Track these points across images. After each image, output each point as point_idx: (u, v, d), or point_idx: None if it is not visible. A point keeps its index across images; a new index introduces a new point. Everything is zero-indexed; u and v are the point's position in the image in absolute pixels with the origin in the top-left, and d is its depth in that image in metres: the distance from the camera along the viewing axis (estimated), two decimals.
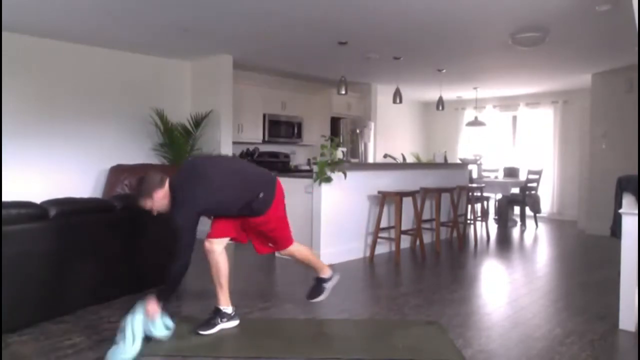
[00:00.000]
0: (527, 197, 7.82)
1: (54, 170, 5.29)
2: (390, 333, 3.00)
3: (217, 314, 3.00)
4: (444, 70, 6.86)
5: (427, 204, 6.07)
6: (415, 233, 5.54)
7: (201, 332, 2.88)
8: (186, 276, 4.28)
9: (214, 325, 2.95)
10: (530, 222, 7.93)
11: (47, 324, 2.99)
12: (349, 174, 4.91)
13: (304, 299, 3.66)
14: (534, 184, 7.92)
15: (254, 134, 7.04)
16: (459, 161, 8.25)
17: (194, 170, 2.82)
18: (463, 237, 6.32)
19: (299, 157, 8.01)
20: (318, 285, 3.31)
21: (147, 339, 2.61)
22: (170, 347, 2.74)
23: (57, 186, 4.99)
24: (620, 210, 3.11)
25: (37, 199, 3.11)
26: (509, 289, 4.32)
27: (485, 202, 7.46)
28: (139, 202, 2.77)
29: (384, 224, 5.32)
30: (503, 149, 9.51)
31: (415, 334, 3.02)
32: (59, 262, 3.09)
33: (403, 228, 5.31)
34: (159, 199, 2.74)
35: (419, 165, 7.13)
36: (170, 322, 2.74)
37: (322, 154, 4.85)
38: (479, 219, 7.16)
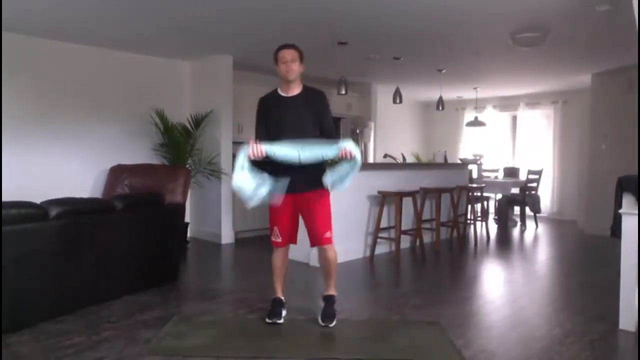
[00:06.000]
0: (527, 197, 7.82)
1: (54, 170, 5.29)
2: (390, 333, 3.00)
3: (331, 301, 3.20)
4: (444, 71, 6.85)
5: (427, 204, 6.07)
6: (415, 233, 5.54)
7: (330, 325, 3.07)
8: (188, 276, 4.28)
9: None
10: (530, 222, 7.93)
11: (47, 324, 2.99)
12: None
13: (303, 299, 3.66)
14: (534, 184, 7.93)
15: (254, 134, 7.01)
16: (459, 161, 8.26)
17: None
18: (463, 237, 6.32)
19: None
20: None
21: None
22: (170, 347, 2.74)
23: (57, 186, 4.99)
24: (620, 210, 3.11)
25: (37, 199, 3.11)
26: (508, 289, 4.32)
27: (485, 202, 7.46)
28: (290, 46, 3.19)
29: (384, 224, 5.32)
30: (503, 149, 9.51)
31: (415, 334, 3.02)
32: (59, 262, 3.09)
33: (403, 228, 5.30)
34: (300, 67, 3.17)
35: (419, 165, 7.13)
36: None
37: None
38: (479, 219, 7.16)
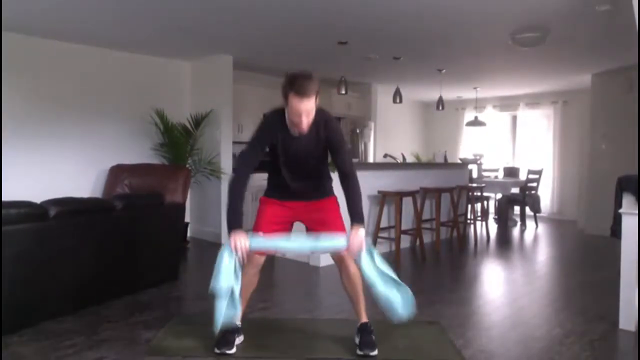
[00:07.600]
0: (527, 197, 7.82)
1: (54, 170, 5.29)
2: (390, 333, 2.99)
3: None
4: (444, 71, 6.85)
5: (427, 204, 6.07)
6: (415, 233, 5.54)
7: (371, 353, 2.62)
8: (188, 276, 4.28)
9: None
10: (530, 222, 7.93)
11: (47, 324, 3.00)
12: None
13: (303, 299, 3.66)
14: (534, 184, 7.93)
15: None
16: (459, 161, 8.26)
17: None
18: (463, 237, 6.32)
19: None
20: None
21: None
22: (170, 347, 2.74)
23: (57, 186, 4.99)
24: (620, 210, 3.11)
25: (37, 199, 3.11)
26: (508, 289, 4.33)
27: (485, 202, 7.46)
28: (308, 90, 2.34)
29: (384, 224, 5.32)
30: (503, 148, 9.52)
31: (415, 334, 3.02)
32: (59, 262, 3.09)
33: (403, 228, 5.31)
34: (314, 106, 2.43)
35: (419, 165, 7.13)
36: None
37: None
38: (479, 218, 7.16)
